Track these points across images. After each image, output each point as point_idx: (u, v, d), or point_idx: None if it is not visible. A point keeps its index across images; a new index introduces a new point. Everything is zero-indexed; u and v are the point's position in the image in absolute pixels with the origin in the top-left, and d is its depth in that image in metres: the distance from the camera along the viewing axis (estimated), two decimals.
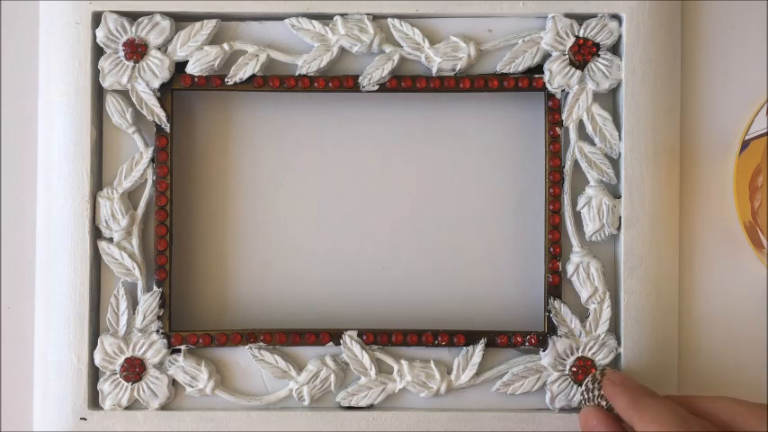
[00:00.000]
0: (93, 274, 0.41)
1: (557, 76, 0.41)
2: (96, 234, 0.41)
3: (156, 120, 0.41)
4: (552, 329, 0.41)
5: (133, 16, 0.41)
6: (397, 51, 0.41)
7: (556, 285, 0.41)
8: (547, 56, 0.41)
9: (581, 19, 0.41)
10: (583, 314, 0.41)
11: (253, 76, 0.41)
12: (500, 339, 0.41)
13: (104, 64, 0.41)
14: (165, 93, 0.41)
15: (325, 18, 0.41)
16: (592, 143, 0.41)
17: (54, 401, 0.41)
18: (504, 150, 0.43)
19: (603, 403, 0.39)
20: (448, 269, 0.43)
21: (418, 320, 0.43)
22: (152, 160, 0.41)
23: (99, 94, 0.41)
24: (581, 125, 0.41)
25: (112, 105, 0.41)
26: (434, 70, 0.41)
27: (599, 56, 0.41)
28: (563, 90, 0.41)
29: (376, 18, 0.41)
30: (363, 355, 0.41)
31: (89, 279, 0.41)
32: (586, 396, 0.40)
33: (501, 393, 0.41)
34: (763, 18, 0.43)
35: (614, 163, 0.42)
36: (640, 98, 0.41)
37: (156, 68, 0.41)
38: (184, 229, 0.43)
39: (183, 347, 0.41)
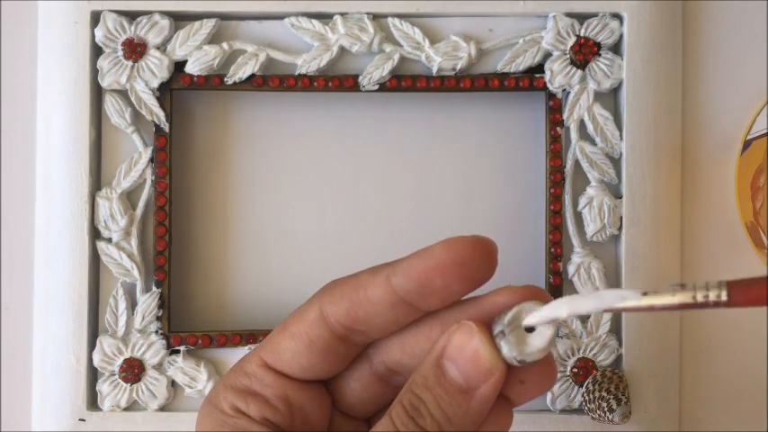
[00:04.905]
0: (91, 274, 0.41)
1: (558, 75, 0.41)
2: (95, 234, 0.41)
3: (155, 119, 0.41)
4: None
5: (132, 15, 0.41)
6: (398, 51, 0.41)
7: (557, 286, 0.41)
8: (548, 55, 0.41)
9: (582, 18, 0.41)
10: (584, 315, 0.41)
11: (252, 76, 0.41)
12: None
13: (103, 63, 0.41)
14: (164, 92, 0.41)
15: (324, 17, 0.41)
16: (593, 143, 0.41)
17: (53, 402, 0.41)
18: (505, 150, 0.43)
19: (605, 405, 0.39)
20: None
21: None
22: (151, 160, 0.41)
23: (98, 93, 0.41)
24: (582, 125, 0.41)
25: (111, 105, 0.41)
26: (435, 70, 0.41)
27: (600, 55, 0.41)
28: (564, 90, 0.41)
29: (376, 17, 0.41)
30: None
31: (88, 279, 0.40)
32: (587, 397, 0.40)
33: None
34: (764, 18, 0.43)
35: (615, 163, 0.41)
36: (642, 98, 0.41)
37: (155, 68, 0.41)
38: (183, 230, 0.43)
39: (182, 348, 0.41)
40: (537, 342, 0.25)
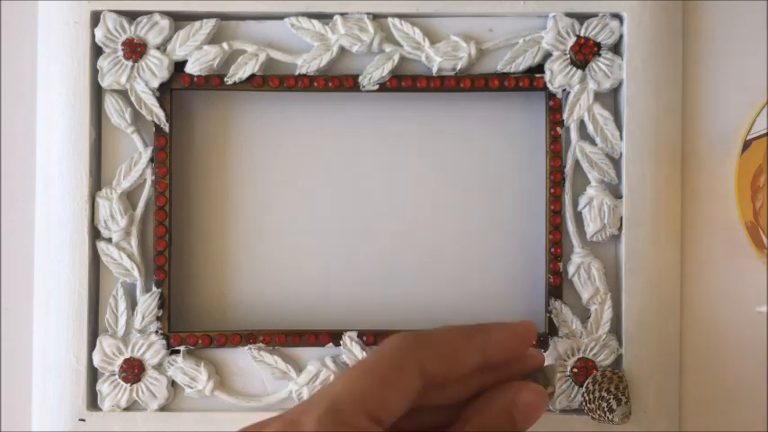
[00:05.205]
0: (91, 274, 0.41)
1: (558, 75, 0.41)
2: (95, 234, 0.41)
3: (155, 119, 0.41)
4: (553, 330, 0.41)
5: (132, 15, 0.41)
6: (398, 51, 0.41)
7: (557, 286, 0.41)
8: (548, 55, 0.41)
9: (582, 18, 0.41)
10: (584, 315, 0.41)
11: (252, 76, 0.41)
12: None
13: (103, 63, 0.41)
14: (164, 92, 0.41)
15: (324, 17, 0.41)
16: (593, 143, 0.41)
17: (53, 402, 0.41)
18: (505, 150, 0.43)
19: (605, 405, 0.39)
20: (448, 269, 0.43)
21: (419, 321, 0.43)
22: (151, 160, 0.41)
23: (98, 93, 0.41)
24: (582, 125, 0.41)
25: (111, 105, 0.41)
26: (435, 70, 0.41)
27: (600, 55, 0.41)
28: (564, 90, 0.41)
29: (376, 17, 0.41)
30: (364, 355, 0.41)
31: (88, 279, 0.40)
32: (587, 397, 0.40)
33: None
34: (763, 18, 0.43)
35: (615, 163, 0.41)
36: (641, 98, 0.41)
37: (155, 68, 0.41)
38: (183, 230, 0.43)
39: (182, 348, 0.41)
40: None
